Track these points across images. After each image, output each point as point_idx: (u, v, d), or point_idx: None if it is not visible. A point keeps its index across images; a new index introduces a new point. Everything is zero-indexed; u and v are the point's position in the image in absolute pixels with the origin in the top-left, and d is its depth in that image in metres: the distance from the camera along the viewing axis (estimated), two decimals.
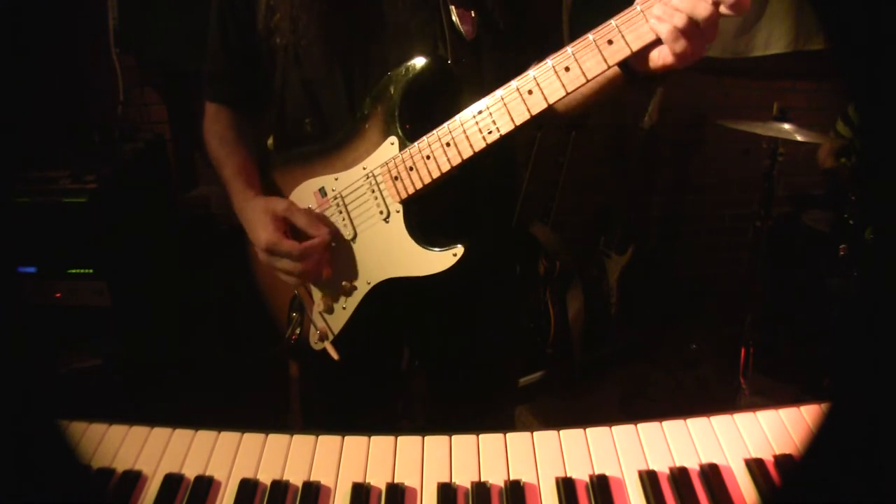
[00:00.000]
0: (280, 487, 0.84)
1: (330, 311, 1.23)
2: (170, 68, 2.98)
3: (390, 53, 1.12)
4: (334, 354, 1.23)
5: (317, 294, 1.24)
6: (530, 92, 0.98)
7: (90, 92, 3.00)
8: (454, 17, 1.10)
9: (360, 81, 1.15)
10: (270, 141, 1.32)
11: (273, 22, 1.16)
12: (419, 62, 1.08)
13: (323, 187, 1.19)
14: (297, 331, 1.27)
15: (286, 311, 1.28)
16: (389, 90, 1.10)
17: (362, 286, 1.19)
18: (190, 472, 0.86)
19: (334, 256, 1.20)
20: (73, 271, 2.35)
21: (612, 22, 0.91)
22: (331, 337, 1.24)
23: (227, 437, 0.90)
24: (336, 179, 1.18)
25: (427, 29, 1.12)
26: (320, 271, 1.19)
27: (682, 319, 3.28)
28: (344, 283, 1.20)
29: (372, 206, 1.14)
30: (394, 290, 1.17)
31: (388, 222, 1.14)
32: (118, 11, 2.82)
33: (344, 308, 1.22)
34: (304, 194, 1.22)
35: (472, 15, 1.12)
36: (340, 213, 1.18)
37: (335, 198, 1.18)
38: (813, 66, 3.17)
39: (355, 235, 1.18)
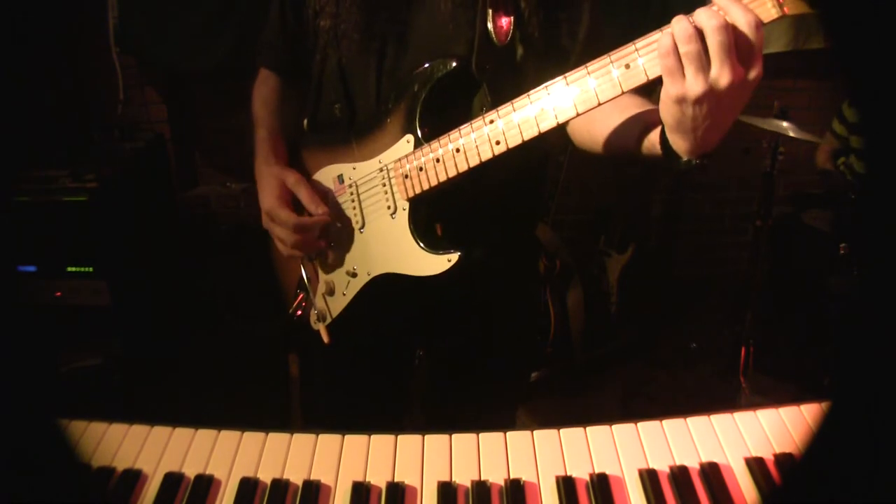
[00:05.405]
0: (280, 486, 0.83)
1: (331, 294, 1.27)
2: (170, 68, 2.98)
3: (423, 51, 1.13)
4: (325, 338, 1.27)
5: (322, 276, 1.28)
6: (542, 106, 0.95)
7: (90, 91, 3.00)
8: (489, 22, 1.10)
9: (391, 74, 1.17)
10: (306, 122, 1.35)
11: (320, 2, 1.19)
12: (444, 64, 1.09)
13: (341, 174, 1.23)
14: (301, 309, 1.31)
15: (295, 288, 1.33)
16: (413, 88, 1.11)
17: (363, 275, 1.22)
18: (190, 471, 0.86)
19: (342, 242, 1.23)
20: (73, 270, 2.35)
21: (634, 44, 0.87)
22: (328, 320, 1.28)
23: (227, 436, 0.90)
24: (354, 168, 1.20)
25: (463, 31, 1.12)
26: (314, 248, 1.23)
27: (682, 319, 3.28)
28: (347, 269, 1.24)
29: (381, 199, 1.17)
30: (395, 286, 1.18)
31: (394, 218, 1.16)
32: (118, 11, 2.83)
33: (344, 294, 1.25)
34: (325, 178, 1.25)
35: (510, 21, 1.11)
36: (353, 201, 1.21)
37: (350, 186, 1.21)
38: (813, 65, 3.17)
39: (363, 225, 1.20)
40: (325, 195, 1.23)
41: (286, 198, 1.20)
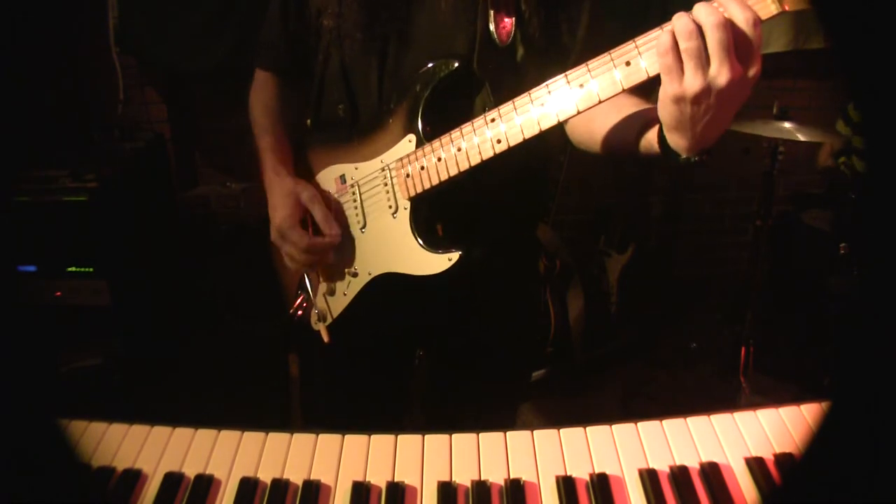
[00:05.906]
0: (280, 486, 0.83)
1: (332, 294, 1.28)
2: (170, 68, 2.98)
3: (424, 50, 1.13)
4: (325, 337, 1.28)
5: (323, 276, 1.29)
6: (542, 105, 0.96)
7: (90, 91, 3.00)
8: (490, 23, 1.11)
9: (393, 74, 1.17)
10: (308, 121, 1.36)
11: (323, 2, 1.19)
12: (446, 64, 1.10)
13: (343, 174, 1.23)
14: (302, 308, 1.32)
15: (295, 288, 1.34)
16: (415, 88, 1.12)
17: (363, 275, 1.23)
18: (190, 471, 0.86)
19: (343, 242, 1.24)
20: (73, 270, 2.35)
21: (634, 42, 0.87)
22: (328, 320, 1.28)
23: (228, 436, 0.90)
24: (356, 168, 1.21)
25: (464, 31, 1.12)
26: (321, 265, 1.24)
27: (682, 319, 3.28)
28: (348, 269, 1.24)
29: (383, 199, 1.17)
30: (396, 286, 1.18)
31: (395, 217, 1.16)
32: (118, 11, 2.83)
33: (345, 294, 1.26)
34: (327, 178, 1.26)
35: (511, 22, 1.12)
36: (355, 201, 1.22)
37: (352, 186, 1.22)
38: (813, 65, 3.17)
39: (365, 225, 1.21)
40: (326, 198, 1.23)
41: (298, 215, 1.20)
